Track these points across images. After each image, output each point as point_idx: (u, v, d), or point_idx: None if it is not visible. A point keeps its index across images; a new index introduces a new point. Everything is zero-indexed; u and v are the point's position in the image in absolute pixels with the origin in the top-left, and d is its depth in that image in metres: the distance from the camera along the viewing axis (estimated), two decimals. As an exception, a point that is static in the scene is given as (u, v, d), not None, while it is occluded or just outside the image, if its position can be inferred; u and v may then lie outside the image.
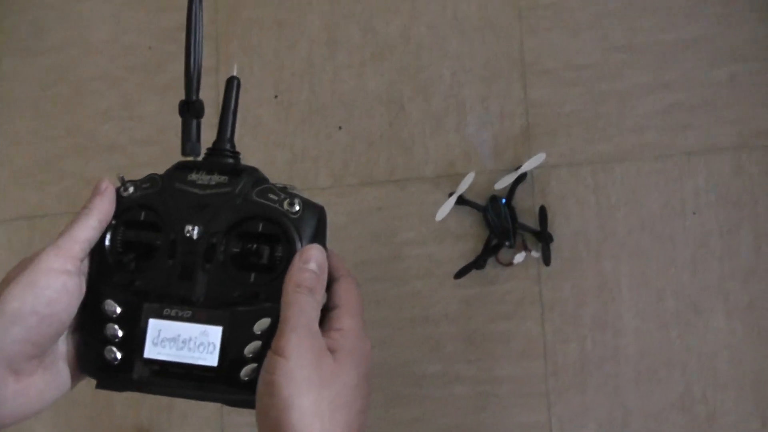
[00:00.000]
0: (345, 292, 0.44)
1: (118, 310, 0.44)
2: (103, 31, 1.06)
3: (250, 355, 0.42)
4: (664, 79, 0.87)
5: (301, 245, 0.43)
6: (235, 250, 0.44)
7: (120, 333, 0.43)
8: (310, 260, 0.42)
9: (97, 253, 0.45)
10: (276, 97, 0.98)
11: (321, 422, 0.39)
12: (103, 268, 0.45)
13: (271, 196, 0.44)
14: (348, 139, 0.94)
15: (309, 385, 0.39)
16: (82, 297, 0.43)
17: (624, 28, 0.89)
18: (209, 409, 0.93)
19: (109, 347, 0.43)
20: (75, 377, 0.45)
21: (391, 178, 0.92)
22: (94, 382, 0.45)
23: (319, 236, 0.44)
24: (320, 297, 0.42)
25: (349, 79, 0.96)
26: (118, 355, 0.43)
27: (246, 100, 0.97)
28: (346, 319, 0.43)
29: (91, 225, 0.44)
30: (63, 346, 0.44)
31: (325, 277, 0.43)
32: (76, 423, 0.98)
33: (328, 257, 0.45)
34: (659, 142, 0.86)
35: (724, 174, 0.84)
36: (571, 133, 0.88)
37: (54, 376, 0.44)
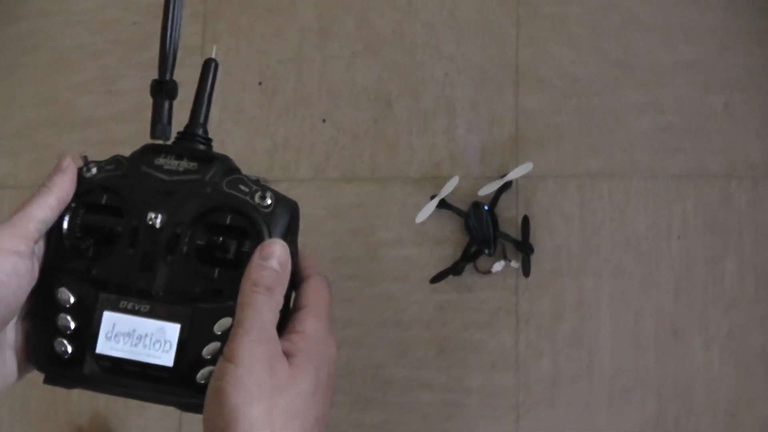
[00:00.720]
0: (313, 292, 0.42)
1: (72, 299, 0.41)
2: (87, 1, 1.02)
3: (209, 357, 0.39)
4: (658, 99, 0.86)
5: None
6: (200, 242, 0.41)
7: (72, 324, 0.40)
8: (271, 257, 0.39)
9: (53, 236, 0.42)
10: (260, 83, 0.95)
11: None
12: (59, 253, 0.42)
13: (243, 187, 0.42)
14: (332, 132, 0.92)
15: (260, 394, 0.36)
16: (33, 282, 0.41)
17: (622, 44, 0.87)
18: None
19: (59, 339, 0.40)
20: (22, 368, 0.42)
21: (373, 175, 0.90)
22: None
23: (290, 233, 0.42)
24: (280, 297, 0.39)
25: (337, 70, 0.93)
26: (69, 349, 0.40)
27: (229, 83, 0.94)
28: (309, 321, 0.41)
29: (49, 204, 0.41)
30: (11, 334, 0.41)
31: (287, 275, 0.40)
32: (33, 407, 0.95)
33: (300, 256, 0.42)
34: (649, 162, 0.85)
35: (713, 201, 0.83)
36: (561, 145, 0.86)
37: None
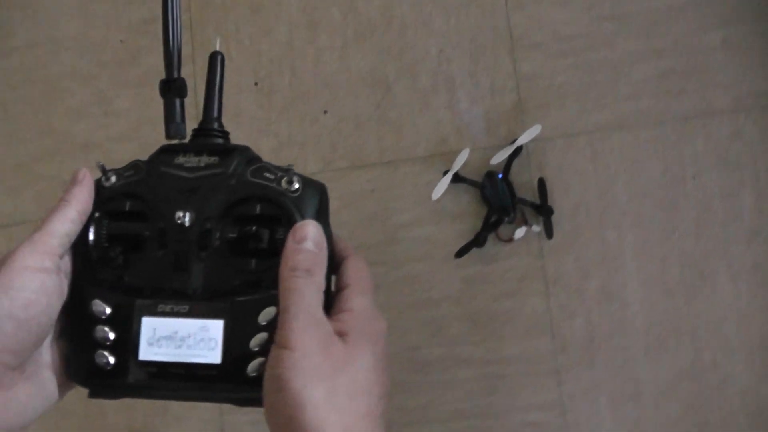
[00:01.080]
0: (353, 271, 0.41)
1: (108, 310, 0.40)
2: (71, 26, 1.02)
3: (257, 349, 0.39)
4: (655, 45, 0.85)
5: None
6: (232, 235, 0.40)
7: (111, 335, 0.40)
8: (305, 239, 0.39)
9: (80, 249, 0.41)
10: (256, 84, 0.94)
11: (338, 414, 0.35)
12: (88, 266, 0.41)
13: (268, 175, 0.41)
14: (334, 122, 0.91)
15: (319, 376, 0.36)
16: (63, 298, 0.40)
17: (612, -3, 0.87)
18: (207, 409, 0.90)
19: (100, 352, 0.40)
20: (63, 387, 0.42)
21: (381, 159, 0.89)
22: (84, 390, 0.42)
23: (321, 215, 0.41)
24: (321, 278, 0.39)
25: (331, 61, 0.92)
26: (111, 360, 0.40)
27: (225, 87, 0.93)
28: (355, 299, 0.40)
29: (70, 217, 0.41)
30: (47, 354, 0.41)
31: (324, 255, 0.39)
32: (67, 432, 0.95)
33: (335, 239, 0.42)
34: (655, 108, 0.84)
35: (723, 137, 0.83)
36: (565, 105, 0.86)
37: (38, 388, 0.40)
